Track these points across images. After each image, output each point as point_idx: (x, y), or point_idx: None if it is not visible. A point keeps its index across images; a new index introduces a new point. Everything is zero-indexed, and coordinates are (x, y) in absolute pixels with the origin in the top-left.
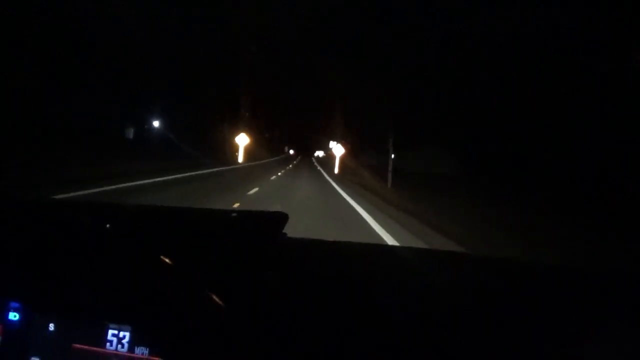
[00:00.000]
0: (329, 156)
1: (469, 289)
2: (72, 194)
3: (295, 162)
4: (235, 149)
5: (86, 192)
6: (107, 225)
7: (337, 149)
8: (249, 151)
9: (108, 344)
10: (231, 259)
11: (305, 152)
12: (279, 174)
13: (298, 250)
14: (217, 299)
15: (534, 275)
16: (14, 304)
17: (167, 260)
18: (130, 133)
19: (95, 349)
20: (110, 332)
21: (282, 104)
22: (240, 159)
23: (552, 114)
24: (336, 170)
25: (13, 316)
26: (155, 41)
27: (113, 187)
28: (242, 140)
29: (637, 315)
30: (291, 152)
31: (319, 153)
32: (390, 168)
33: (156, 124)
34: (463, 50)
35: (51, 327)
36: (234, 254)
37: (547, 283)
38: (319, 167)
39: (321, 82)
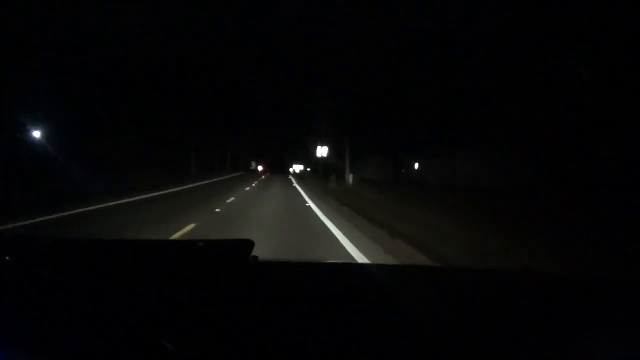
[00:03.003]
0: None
1: (443, 305)
2: None
3: (236, 196)
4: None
5: None
6: (72, 265)
7: None
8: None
9: None
10: (198, 293)
11: (279, 168)
12: None
13: (270, 274)
14: (171, 347)
15: (507, 286)
16: None
17: (130, 303)
18: None
19: None
20: None
21: (246, 107)
22: None
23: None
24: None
25: None
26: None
27: None
28: None
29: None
30: (259, 168)
31: (297, 168)
32: None
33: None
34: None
35: None
36: (201, 288)
37: (517, 293)
38: (325, 221)
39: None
